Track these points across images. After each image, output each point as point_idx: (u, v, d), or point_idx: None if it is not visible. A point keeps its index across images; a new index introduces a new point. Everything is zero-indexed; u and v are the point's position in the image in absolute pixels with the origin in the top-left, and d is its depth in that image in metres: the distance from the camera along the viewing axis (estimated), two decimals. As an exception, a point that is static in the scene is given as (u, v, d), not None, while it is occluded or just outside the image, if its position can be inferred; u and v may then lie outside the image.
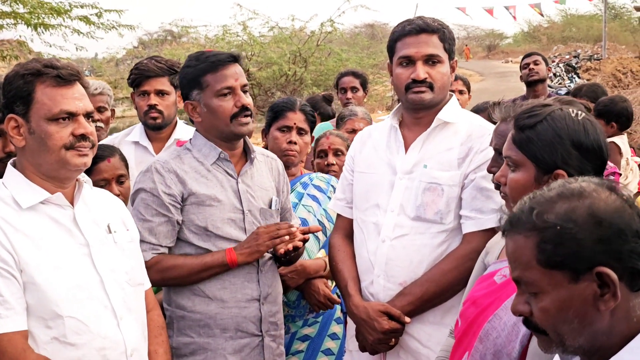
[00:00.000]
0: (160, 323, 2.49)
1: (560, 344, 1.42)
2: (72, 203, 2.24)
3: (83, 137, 2.16)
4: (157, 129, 3.85)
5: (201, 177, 2.78)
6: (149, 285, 2.50)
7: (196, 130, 2.90)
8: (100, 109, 4.19)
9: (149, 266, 2.60)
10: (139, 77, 3.81)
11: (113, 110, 4.38)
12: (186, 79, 2.81)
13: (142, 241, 2.60)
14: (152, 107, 3.79)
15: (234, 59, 2.80)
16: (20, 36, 13.12)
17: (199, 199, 2.74)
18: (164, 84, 3.78)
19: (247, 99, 2.79)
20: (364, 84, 5.80)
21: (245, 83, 2.81)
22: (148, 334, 2.39)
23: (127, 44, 26.61)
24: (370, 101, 20.51)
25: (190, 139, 2.89)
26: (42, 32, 12.34)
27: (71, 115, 2.16)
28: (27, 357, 2.04)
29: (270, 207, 2.91)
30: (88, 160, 2.20)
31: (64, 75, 2.16)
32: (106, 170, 3.22)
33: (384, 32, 31.05)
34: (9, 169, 2.24)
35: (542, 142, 1.94)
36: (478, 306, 2.03)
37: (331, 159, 3.86)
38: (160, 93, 3.79)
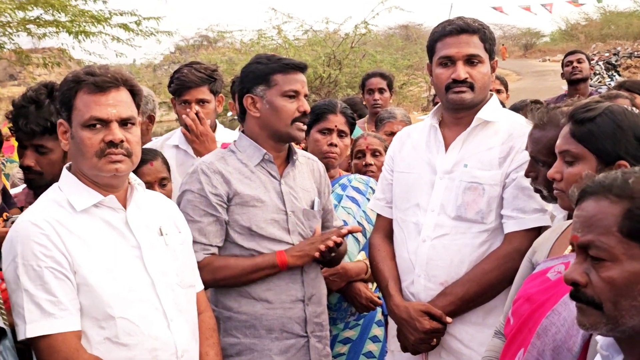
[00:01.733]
0: (211, 325, 2.52)
1: (613, 321, 1.39)
2: (124, 206, 2.29)
3: (113, 144, 2.19)
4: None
5: (245, 178, 2.83)
6: (200, 287, 2.53)
7: (241, 131, 2.95)
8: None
9: (202, 267, 2.64)
10: (180, 88, 3.87)
11: (153, 116, 4.42)
12: (253, 74, 2.86)
13: (193, 242, 2.64)
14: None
15: (304, 68, 2.88)
16: (62, 44, 13.47)
17: (243, 200, 2.78)
18: (204, 93, 3.83)
19: (308, 106, 2.87)
20: (390, 85, 5.80)
21: (307, 93, 2.89)
22: (199, 336, 2.42)
23: (164, 49, 26.91)
24: (405, 102, 20.44)
25: (235, 141, 2.94)
26: (83, 39, 12.64)
27: (104, 122, 2.19)
28: (80, 357, 2.09)
29: (312, 208, 2.94)
30: (121, 167, 2.21)
31: (98, 83, 2.20)
32: (149, 174, 3.28)
33: (418, 32, 30.90)
34: (64, 172, 2.31)
35: (604, 134, 1.97)
36: (533, 303, 2.01)
37: (369, 159, 3.87)
38: (201, 102, 3.83)
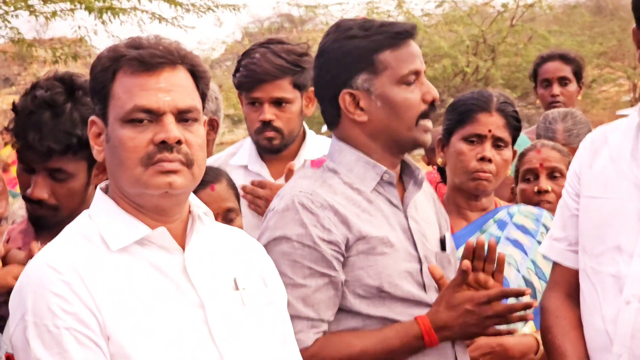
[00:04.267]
0: None
1: None
2: (182, 245, 2.32)
3: (166, 145, 2.21)
4: (275, 152, 3.99)
5: (362, 212, 2.84)
6: None
7: (337, 138, 2.97)
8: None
9: (312, 354, 2.69)
10: (248, 81, 3.92)
11: (215, 121, 4.51)
12: (348, 57, 2.86)
13: (295, 317, 2.65)
14: (266, 124, 3.89)
15: (415, 30, 2.92)
16: (78, 28, 13.71)
17: (370, 245, 2.81)
18: (283, 88, 3.87)
19: (436, 90, 2.90)
20: (579, 73, 5.74)
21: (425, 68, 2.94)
22: None
23: (227, 35, 27.48)
24: (596, 108, 20.10)
25: (330, 154, 2.97)
26: (109, 19, 12.81)
27: (152, 115, 2.22)
28: None
29: (444, 249, 3.00)
30: (177, 181, 2.22)
31: (144, 58, 2.23)
32: (208, 202, 3.35)
33: (615, 2, 30.33)
34: (99, 194, 2.36)
35: None
36: None
37: (544, 183, 3.88)
38: (278, 102, 3.89)
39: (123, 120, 2.23)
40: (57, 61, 13.01)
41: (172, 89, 2.24)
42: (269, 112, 3.87)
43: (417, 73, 2.85)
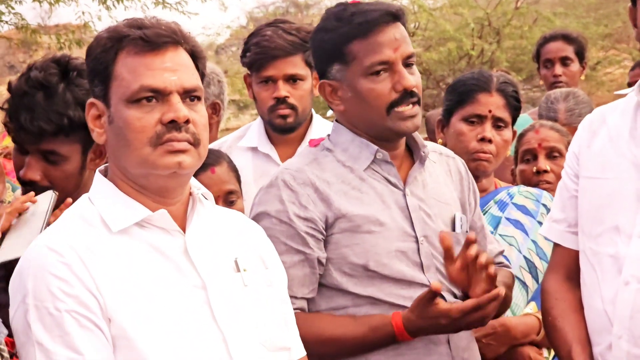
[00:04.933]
0: None
1: None
2: (182, 227, 2.32)
3: (175, 125, 2.21)
4: (288, 131, 4.00)
5: (352, 189, 2.87)
6: (301, 353, 2.52)
7: (336, 121, 3.00)
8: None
9: None
10: (261, 58, 3.92)
11: (218, 104, 4.50)
12: (322, 49, 2.92)
13: None
14: (281, 101, 3.91)
15: (393, 16, 2.86)
16: (82, 13, 13.79)
17: (354, 223, 2.82)
18: (296, 65, 3.91)
19: (413, 79, 2.86)
20: (581, 53, 5.77)
21: (411, 53, 2.88)
22: None
23: (232, 20, 27.46)
24: (602, 90, 20.02)
25: (329, 135, 2.99)
26: (114, 5, 12.92)
27: (159, 94, 2.22)
28: None
29: (453, 229, 2.98)
30: (186, 160, 2.23)
31: (150, 37, 2.23)
32: (209, 185, 3.36)
33: (621, -16, 30.31)
34: (98, 177, 2.36)
35: None
36: None
37: (543, 163, 3.90)
38: (292, 79, 3.92)
39: (129, 101, 2.23)
40: (62, 47, 13.06)
41: (177, 68, 2.25)
42: (283, 89, 3.91)
43: (385, 63, 2.83)
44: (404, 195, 2.91)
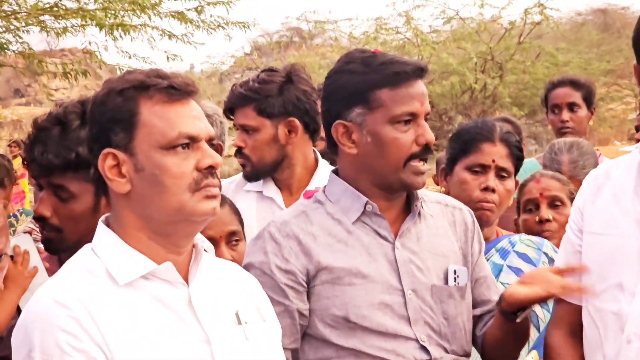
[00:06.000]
0: None
1: None
2: (185, 278, 2.32)
3: (211, 170, 2.26)
4: (251, 179, 4.04)
5: (338, 242, 2.87)
6: None
7: (333, 171, 2.99)
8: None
9: None
10: (224, 110, 4.10)
11: (220, 146, 4.52)
12: (344, 90, 2.89)
13: None
14: (238, 150, 3.99)
15: (422, 71, 2.89)
16: (89, 43, 13.77)
17: (334, 275, 2.82)
18: (247, 116, 3.93)
19: (432, 134, 2.89)
20: (589, 99, 5.75)
21: (429, 110, 2.91)
22: None
23: (236, 49, 27.54)
24: (603, 127, 20.12)
25: (325, 186, 2.99)
26: (120, 36, 12.85)
27: (192, 141, 2.26)
28: None
29: (446, 282, 2.96)
30: (218, 206, 2.29)
31: (178, 86, 2.26)
32: (211, 226, 3.33)
33: (623, 20, 30.43)
34: (101, 228, 2.35)
35: None
36: None
37: (545, 212, 3.88)
38: (245, 130, 3.96)
39: (164, 148, 2.24)
40: (67, 74, 13.04)
41: (202, 116, 2.32)
42: (238, 139, 3.99)
43: (413, 115, 2.84)
44: (393, 248, 2.90)
